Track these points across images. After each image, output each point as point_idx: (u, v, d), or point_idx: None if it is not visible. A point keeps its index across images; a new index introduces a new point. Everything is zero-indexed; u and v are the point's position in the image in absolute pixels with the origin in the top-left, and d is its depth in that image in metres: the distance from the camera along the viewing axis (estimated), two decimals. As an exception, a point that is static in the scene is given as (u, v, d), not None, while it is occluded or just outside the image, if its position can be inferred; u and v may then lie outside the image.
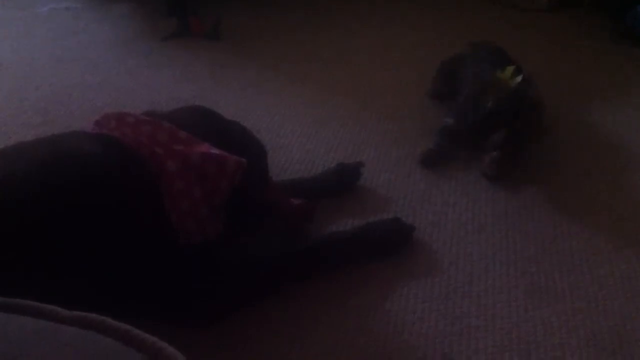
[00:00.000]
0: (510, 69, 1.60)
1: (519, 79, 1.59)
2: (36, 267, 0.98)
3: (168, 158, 1.13)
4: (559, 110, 1.91)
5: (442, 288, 1.29)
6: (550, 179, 1.64)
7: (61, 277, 0.99)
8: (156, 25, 2.52)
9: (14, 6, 2.73)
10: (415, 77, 2.09)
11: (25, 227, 0.98)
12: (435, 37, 2.45)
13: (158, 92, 2.05)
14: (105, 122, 1.18)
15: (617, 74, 2.21)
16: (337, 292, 1.28)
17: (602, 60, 2.30)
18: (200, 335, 1.17)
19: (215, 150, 1.18)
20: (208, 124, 1.26)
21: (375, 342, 1.18)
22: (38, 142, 1.14)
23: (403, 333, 1.19)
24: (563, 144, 1.78)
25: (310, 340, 1.18)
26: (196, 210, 1.14)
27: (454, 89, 1.81)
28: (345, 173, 1.58)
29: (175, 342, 0.61)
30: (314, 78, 2.16)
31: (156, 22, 2.55)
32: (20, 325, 0.61)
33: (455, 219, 1.48)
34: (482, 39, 2.01)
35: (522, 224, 1.47)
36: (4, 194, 0.99)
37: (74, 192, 1.03)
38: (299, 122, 1.87)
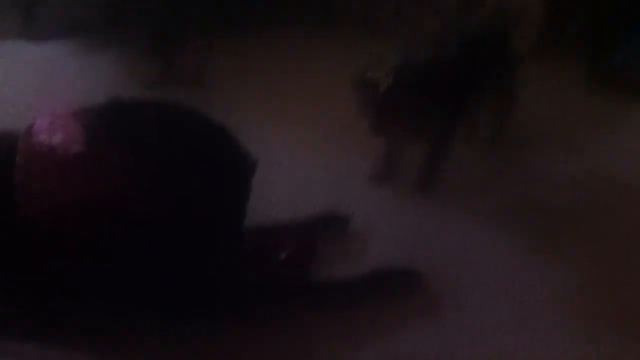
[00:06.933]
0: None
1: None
2: None
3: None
4: (543, 155, 1.94)
5: (436, 328, 1.29)
6: (541, 221, 1.66)
7: None
8: (141, 72, 2.53)
9: (-4, 53, 2.73)
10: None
11: None
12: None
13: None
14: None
15: (596, 118, 2.24)
16: (328, 329, 1.26)
17: (582, 104, 2.33)
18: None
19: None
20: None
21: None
22: None
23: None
24: (548, 189, 1.81)
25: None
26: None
27: None
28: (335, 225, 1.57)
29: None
30: (302, 116, 2.16)
31: (141, 68, 2.57)
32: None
33: (449, 257, 1.49)
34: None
35: (518, 264, 1.49)
36: None
37: None
38: (286, 161, 1.86)
